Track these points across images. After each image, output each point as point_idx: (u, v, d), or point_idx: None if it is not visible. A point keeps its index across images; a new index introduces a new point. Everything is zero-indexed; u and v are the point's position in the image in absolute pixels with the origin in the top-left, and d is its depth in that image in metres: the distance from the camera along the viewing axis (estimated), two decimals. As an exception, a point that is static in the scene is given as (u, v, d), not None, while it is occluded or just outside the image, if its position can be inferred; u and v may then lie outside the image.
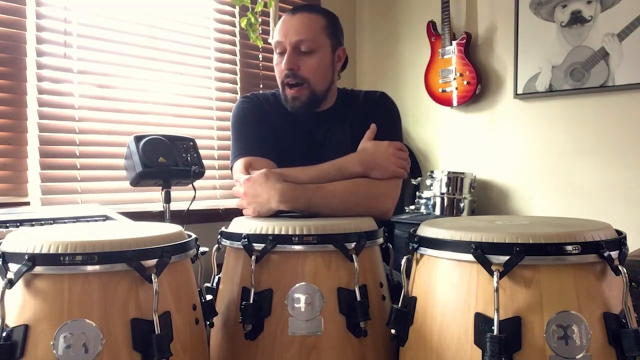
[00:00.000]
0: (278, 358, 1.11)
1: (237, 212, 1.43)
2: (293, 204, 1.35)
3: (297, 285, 1.12)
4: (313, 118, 1.56)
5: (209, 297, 1.15)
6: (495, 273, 0.95)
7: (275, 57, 1.53)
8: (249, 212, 1.38)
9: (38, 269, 0.91)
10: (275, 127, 1.54)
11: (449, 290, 1.02)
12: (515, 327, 0.95)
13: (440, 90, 2.94)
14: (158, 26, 2.45)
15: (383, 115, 1.55)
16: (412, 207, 2.79)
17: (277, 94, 1.60)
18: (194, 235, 1.12)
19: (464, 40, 2.85)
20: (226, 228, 1.27)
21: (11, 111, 2.01)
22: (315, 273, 1.12)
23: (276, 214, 1.36)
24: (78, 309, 0.90)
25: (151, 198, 2.32)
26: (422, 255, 1.10)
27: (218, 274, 1.30)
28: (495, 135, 2.88)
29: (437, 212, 2.71)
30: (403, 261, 1.11)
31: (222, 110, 2.66)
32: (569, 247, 0.96)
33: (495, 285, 0.95)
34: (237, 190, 1.44)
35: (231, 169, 1.54)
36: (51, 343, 0.89)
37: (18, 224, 1.40)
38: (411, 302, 1.10)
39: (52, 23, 2.11)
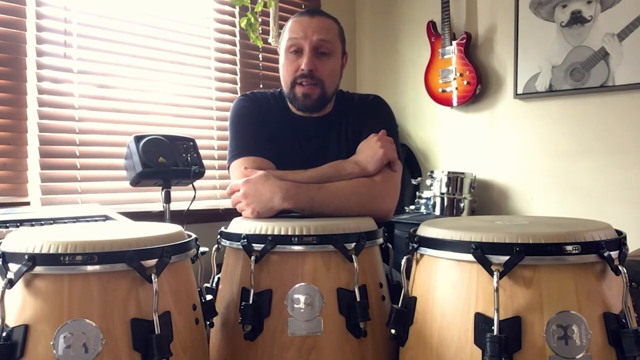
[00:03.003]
0: (277, 358, 1.11)
1: (237, 213, 1.42)
2: (296, 202, 1.34)
3: (296, 285, 1.12)
4: (310, 121, 1.56)
5: (209, 297, 1.15)
6: (495, 273, 0.95)
7: (285, 55, 1.52)
8: (247, 214, 1.36)
9: (38, 269, 0.91)
10: (272, 128, 1.54)
11: (449, 290, 1.02)
12: (515, 327, 0.95)
13: (440, 90, 2.94)
14: (158, 26, 2.45)
15: (378, 119, 1.56)
16: (412, 207, 2.79)
17: (276, 94, 1.60)
18: (194, 235, 1.12)
19: (464, 40, 2.85)
20: (226, 228, 1.27)
21: (11, 111, 2.01)
22: (314, 273, 1.12)
23: (276, 215, 1.36)
24: (78, 309, 0.90)
25: (151, 198, 2.32)
26: (422, 255, 1.10)
27: (218, 274, 1.30)
28: (495, 135, 2.88)
29: (437, 212, 2.71)
30: (403, 261, 1.11)
31: (222, 110, 2.65)
32: (569, 247, 0.96)
33: (495, 285, 0.95)
34: (234, 187, 1.40)
35: (228, 169, 1.53)
36: (51, 343, 0.88)
37: (18, 224, 1.41)
38: (411, 302, 1.10)
39: (52, 23, 2.11)
